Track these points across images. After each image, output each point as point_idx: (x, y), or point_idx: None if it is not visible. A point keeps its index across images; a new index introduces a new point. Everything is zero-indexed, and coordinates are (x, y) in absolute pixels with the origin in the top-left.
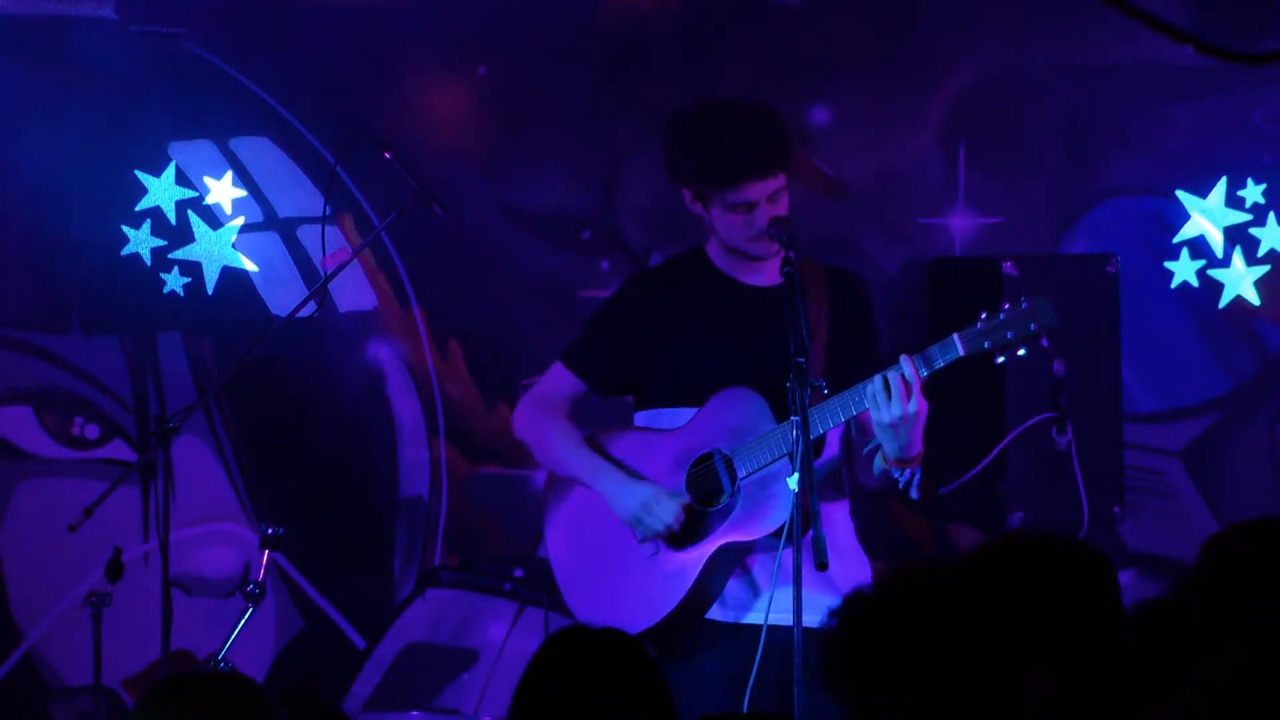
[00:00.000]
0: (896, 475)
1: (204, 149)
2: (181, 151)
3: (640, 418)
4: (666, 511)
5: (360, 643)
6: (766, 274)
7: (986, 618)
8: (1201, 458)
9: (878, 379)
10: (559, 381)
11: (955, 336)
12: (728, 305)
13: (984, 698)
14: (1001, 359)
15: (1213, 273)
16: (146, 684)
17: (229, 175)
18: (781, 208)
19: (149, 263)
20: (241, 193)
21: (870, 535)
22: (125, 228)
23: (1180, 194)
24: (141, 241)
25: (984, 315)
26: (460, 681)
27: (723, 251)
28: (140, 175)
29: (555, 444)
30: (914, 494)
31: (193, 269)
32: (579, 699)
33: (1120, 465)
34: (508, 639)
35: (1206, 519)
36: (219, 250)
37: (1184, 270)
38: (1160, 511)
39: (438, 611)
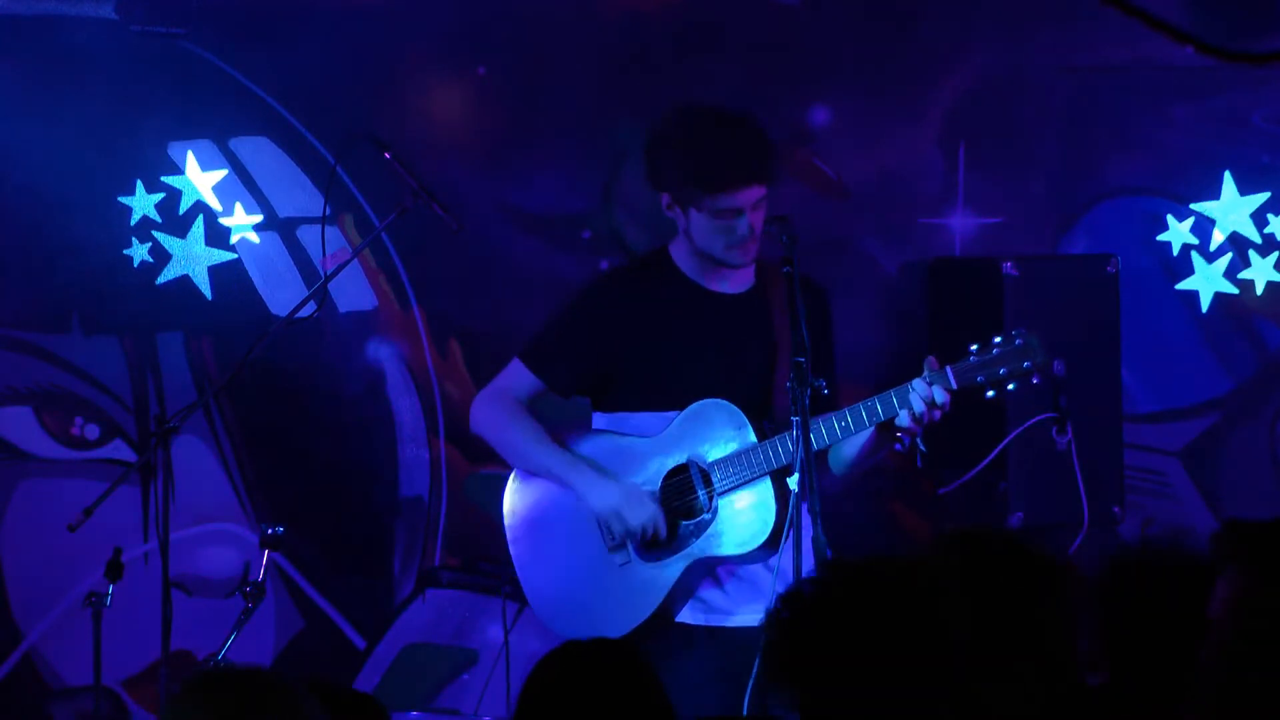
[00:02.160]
0: (903, 444)
1: (204, 149)
2: (202, 162)
3: (600, 419)
4: (644, 511)
5: (360, 643)
6: (733, 281)
7: (927, 611)
8: (1201, 458)
9: (911, 399)
10: (518, 379)
11: (949, 370)
12: (694, 312)
13: (922, 693)
14: (992, 394)
15: (1195, 255)
16: (181, 680)
17: (260, 218)
18: (759, 218)
19: (132, 222)
20: (256, 238)
21: (870, 535)
22: (140, 182)
23: (1227, 174)
24: (143, 204)
25: (974, 347)
26: (460, 681)
27: (690, 256)
28: (192, 155)
29: (520, 439)
30: (919, 462)
31: (162, 255)
32: (582, 714)
33: (1120, 465)
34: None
35: (1206, 519)
36: (194, 261)
37: (1178, 235)
38: (1160, 511)
39: (438, 611)
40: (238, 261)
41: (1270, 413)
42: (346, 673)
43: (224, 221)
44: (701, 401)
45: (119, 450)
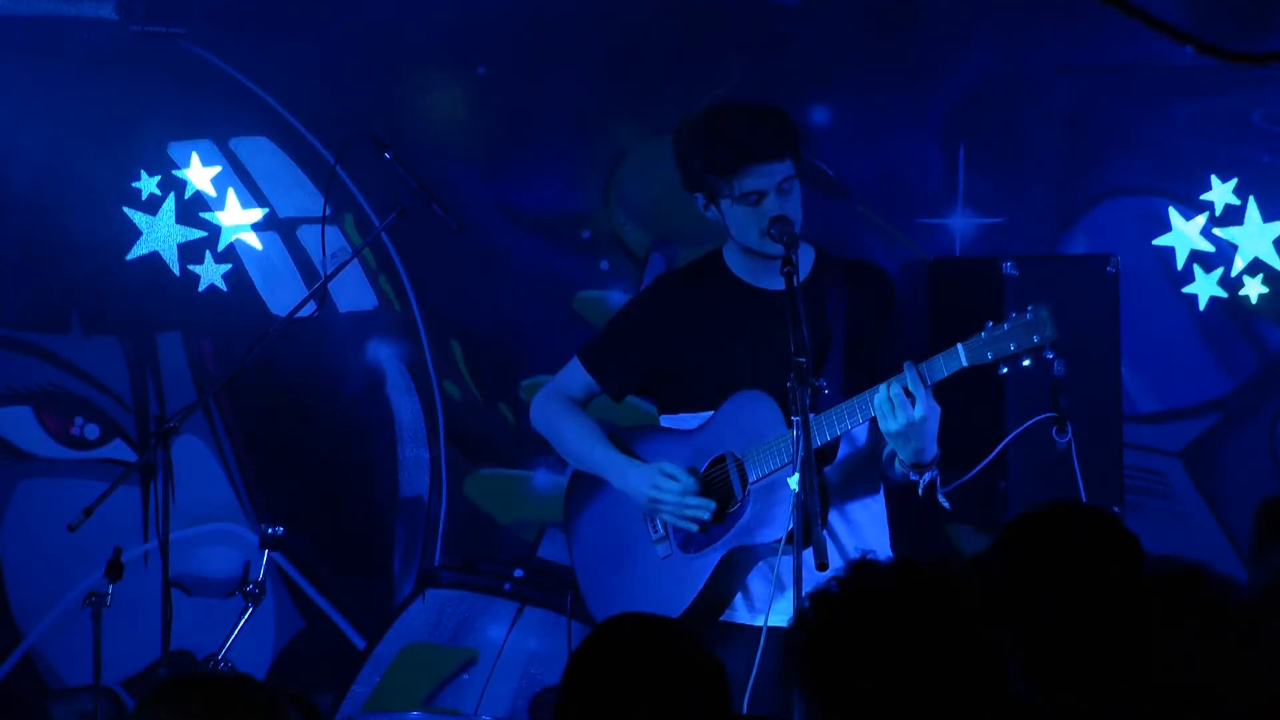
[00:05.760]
0: (915, 478)
1: (204, 150)
2: (242, 201)
3: (665, 421)
4: (674, 486)
5: (360, 643)
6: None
7: (963, 613)
8: (1201, 458)
9: (881, 389)
10: (573, 376)
11: (959, 346)
12: (744, 310)
13: (951, 692)
14: (1005, 369)
15: (1202, 217)
16: (150, 682)
17: (259, 217)
18: (793, 202)
19: (161, 173)
20: (257, 243)
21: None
22: (200, 155)
23: None
24: (197, 175)
25: (990, 324)
26: (460, 681)
27: (740, 255)
28: (233, 193)
29: (571, 438)
30: (943, 501)
31: (152, 206)
32: (633, 688)
33: (1120, 465)
34: (507, 639)
35: (1206, 519)
36: (159, 239)
37: (1221, 195)
38: (1160, 511)
39: (438, 611)
40: (237, 262)
41: (1270, 413)
42: (346, 673)
43: (227, 240)
44: (738, 393)
45: (119, 450)
